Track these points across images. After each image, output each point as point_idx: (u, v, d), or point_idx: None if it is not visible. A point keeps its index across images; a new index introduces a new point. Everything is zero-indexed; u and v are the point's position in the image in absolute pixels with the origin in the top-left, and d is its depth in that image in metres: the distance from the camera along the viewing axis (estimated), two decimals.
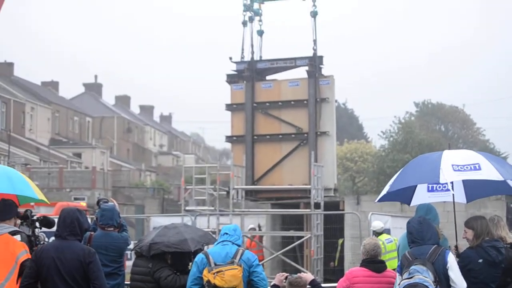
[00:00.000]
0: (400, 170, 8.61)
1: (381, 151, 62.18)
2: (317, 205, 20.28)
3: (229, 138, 22.89)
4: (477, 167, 7.82)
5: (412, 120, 71.86)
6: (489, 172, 7.79)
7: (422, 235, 7.48)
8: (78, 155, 64.78)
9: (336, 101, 22.21)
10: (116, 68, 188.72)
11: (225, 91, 22.94)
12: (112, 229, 9.60)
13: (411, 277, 7.09)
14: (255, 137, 22.39)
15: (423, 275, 7.07)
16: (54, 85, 78.15)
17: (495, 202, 20.57)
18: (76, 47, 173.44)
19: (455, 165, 7.85)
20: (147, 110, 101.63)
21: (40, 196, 8.73)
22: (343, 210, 21.87)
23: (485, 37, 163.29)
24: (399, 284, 7.26)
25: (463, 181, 9.02)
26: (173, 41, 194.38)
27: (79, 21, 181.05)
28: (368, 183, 61.97)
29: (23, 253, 7.95)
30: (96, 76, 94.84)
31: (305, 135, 21.73)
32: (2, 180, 8.35)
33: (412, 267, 7.16)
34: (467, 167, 7.83)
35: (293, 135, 22.06)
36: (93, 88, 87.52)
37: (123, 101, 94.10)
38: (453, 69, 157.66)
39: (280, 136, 22.23)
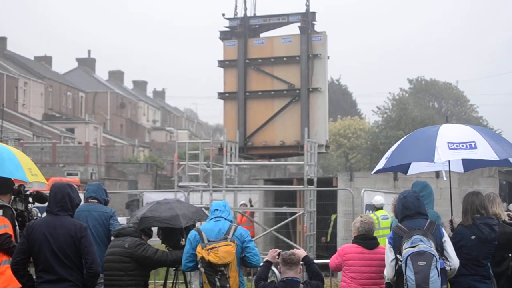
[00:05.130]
0: (398, 144, 8.55)
1: (375, 127, 62.21)
2: (310, 181, 20.27)
3: (221, 95, 22.73)
4: (473, 146, 7.85)
5: (406, 97, 71.79)
6: (484, 151, 7.82)
7: (419, 210, 7.52)
8: (71, 130, 64.65)
9: (328, 57, 22.04)
10: (109, 43, 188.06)
11: (218, 63, 22.73)
12: (95, 201, 9.65)
13: (415, 246, 7.13)
14: (247, 93, 22.29)
15: (427, 244, 7.14)
16: (47, 59, 77.87)
17: (488, 179, 20.53)
18: (70, 22, 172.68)
19: (451, 143, 7.87)
20: (140, 85, 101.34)
21: (33, 177, 8.65)
22: (336, 186, 21.77)
23: (480, 15, 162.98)
24: (400, 255, 7.25)
25: None
26: (167, 15, 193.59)
27: None
28: (361, 159, 62.03)
29: (1, 228, 7.93)
30: (89, 51, 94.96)
31: (297, 91, 21.69)
32: None
33: (415, 236, 7.19)
34: (462, 145, 7.86)
35: (285, 92, 21.96)
36: (86, 63, 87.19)
37: (116, 76, 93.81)
38: (448, 45, 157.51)
39: (272, 92, 22.14)
